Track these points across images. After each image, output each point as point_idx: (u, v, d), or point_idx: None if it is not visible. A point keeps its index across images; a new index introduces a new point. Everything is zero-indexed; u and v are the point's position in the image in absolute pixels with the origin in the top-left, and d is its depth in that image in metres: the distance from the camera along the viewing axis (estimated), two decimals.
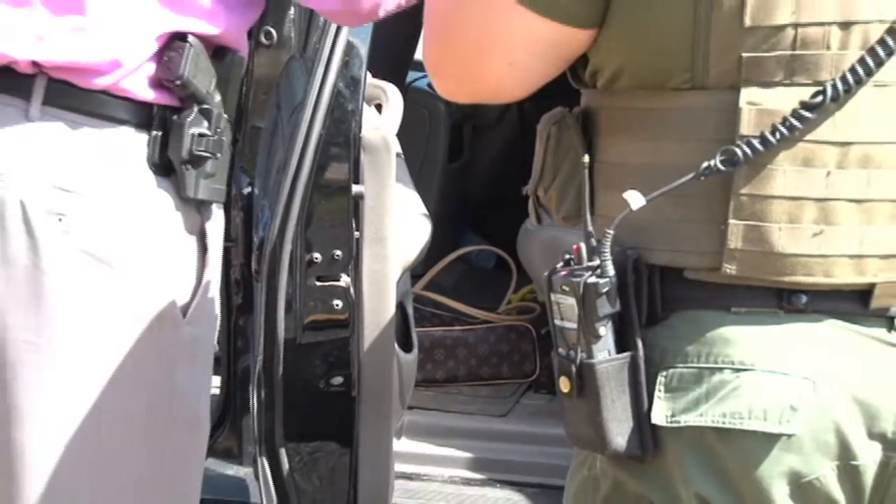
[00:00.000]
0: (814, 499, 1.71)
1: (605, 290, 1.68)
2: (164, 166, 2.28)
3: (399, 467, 3.11)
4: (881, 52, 1.61)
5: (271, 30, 3.04)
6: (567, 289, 1.70)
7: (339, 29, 2.74)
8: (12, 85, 2.20)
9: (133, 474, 2.31)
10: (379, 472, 2.98)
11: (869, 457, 1.69)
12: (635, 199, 1.65)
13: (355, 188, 2.80)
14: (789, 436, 1.67)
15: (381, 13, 2.43)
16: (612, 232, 1.68)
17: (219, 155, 2.32)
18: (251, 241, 2.84)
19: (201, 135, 2.28)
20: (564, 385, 1.73)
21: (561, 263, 1.73)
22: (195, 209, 2.34)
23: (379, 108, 2.99)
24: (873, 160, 1.67)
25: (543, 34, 1.74)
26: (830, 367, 1.68)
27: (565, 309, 1.72)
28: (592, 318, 1.69)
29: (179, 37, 2.25)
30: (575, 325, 1.71)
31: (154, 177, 2.28)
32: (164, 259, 2.30)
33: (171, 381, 2.33)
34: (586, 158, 1.77)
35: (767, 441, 1.67)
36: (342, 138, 2.77)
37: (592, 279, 1.68)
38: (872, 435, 1.69)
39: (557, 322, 1.74)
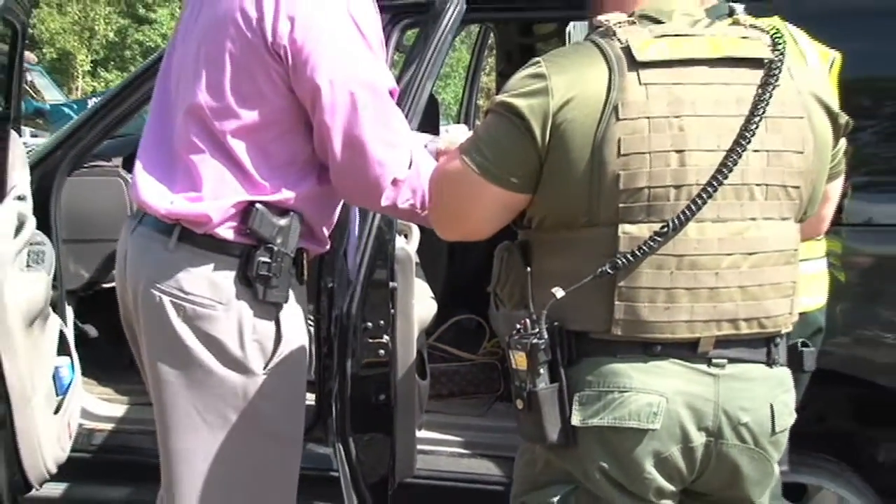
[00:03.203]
0: (668, 468, 1.75)
1: (542, 347, 1.72)
2: (246, 280, 2.21)
3: (420, 447, 3.07)
4: (699, 202, 1.67)
5: None
6: (520, 347, 1.73)
7: None
8: (163, 228, 2.20)
9: (236, 453, 2.30)
10: (408, 451, 2.95)
11: (699, 441, 1.74)
12: (559, 292, 1.70)
13: (391, 284, 2.80)
14: (653, 430, 1.71)
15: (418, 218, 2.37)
16: (545, 312, 1.71)
17: (279, 275, 2.22)
18: (332, 315, 2.85)
19: (263, 262, 2.20)
20: (519, 404, 1.77)
21: (515, 331, 1.74)
22: (272, 305, 2.26)
23: (406, 236, 3.01)
24: (697, 265, 1.71)
25: (501, 198, 1.78)
26: (675, 388, 1.72)
27: (518, 358, 1.74)
28: (535, 364, 1.72)
29: (252, 203, 2.19)
30: (525, 368, 1.73)
31: (240, 286, 2.21)
32: (246, 335, 2.23)
33: (253, 404, 2.27)
34: (528, 269, 1.78)
35: (640, 433, 1.72)
36: (383, 255, 2.78)
37: (535, 340, 1.72)
38: (700, 428, 1.73)
39: (514, 366, 1.76)
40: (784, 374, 1.83)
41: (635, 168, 1.68)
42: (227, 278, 2.22)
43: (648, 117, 1.68)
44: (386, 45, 3.02)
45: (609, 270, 1.69)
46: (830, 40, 2.49)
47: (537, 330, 1.72)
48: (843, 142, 1.90)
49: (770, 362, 1.80)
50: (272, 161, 2.21)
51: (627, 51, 1.70)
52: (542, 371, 1.72)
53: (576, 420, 1.73)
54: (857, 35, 2.76)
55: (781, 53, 1.74)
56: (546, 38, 4.85)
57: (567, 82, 1.70)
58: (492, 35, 5.33)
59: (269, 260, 2.21)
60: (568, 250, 1.76)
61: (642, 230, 1.69)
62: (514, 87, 1.75)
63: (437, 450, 3.29)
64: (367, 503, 2.88)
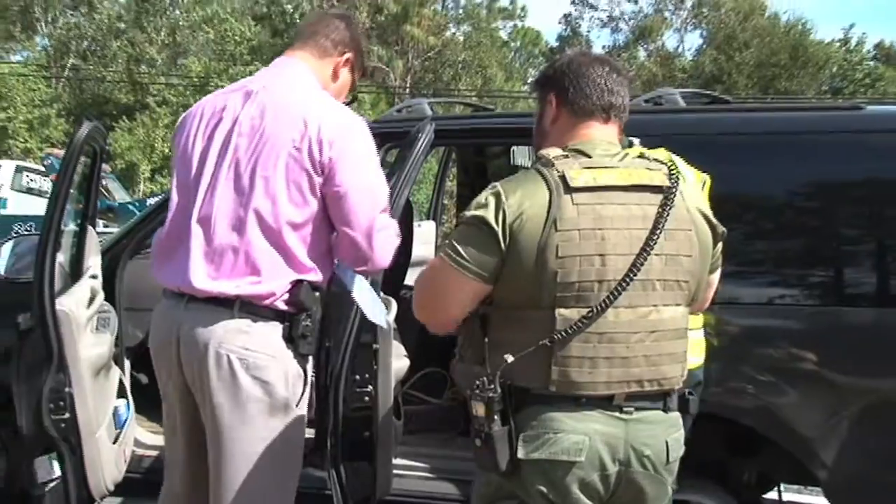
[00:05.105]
0: (590, 490, 1.75)
1: (496, 399, 1.71)
2: (290, 339, 2.25)
3: (395, 472, 3.03)
4: (616, 294, 1.70)
5: None
6: (480, 399, 1.73)
7: None
8: (226, 303, 2.21)
9: (274, 468, 2.29)
10: (386, 475, 2.92)
11: (612, 469, 1.75)
12: (509, 358, 1.70)
13: (374, 345, 2.79)
14: (579, 461, 1.71)
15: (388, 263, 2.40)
16: (499, 372, 1.71)
17: (313, 334, 2.29)
18: (329, 369, 2.81)
19: (306, 325, 2.26)
20: (477, 442, 1.76)
21: (476, 386, 1.74)
22: (303, 358, 2.29)
23: (387, 308, 2.98)
24: (613, 339, 1.73)
25: (474, 288, 1.79)
26: (595, 430, 1.73)
27: (478, 408, 1.73)
28: (491, 412, 1.72)
29: (299, 281, 2.24)
30: (483, 415, 1.73)
31: (285, 343, 2.25)
32: (289, 380, 2.26)
33: (287, 430, 2.29)
34: (486, 339, 1.79)
35: (569, 464, 1.72)
36: (368, 322, 2.74)
37: (491, 395, 1.71)
38: (614, 460, 1.74)
39: (474, 413, 1.75)
40: (676, 417, 1.85)
41: (569, 267, 1.71)
42: (277, 336, 2.24)
43: (579, 229, 1.72)
44: None
45: (548, 343, 1.70)
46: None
47: (493, 386, 1.72)
48: (720, 244, 1.94)
49: (666, 409, 1.81)
50: (310, 249, 2.25)
51: (563, 178, 1.74)
52: (496, 417, 1.72)
53: (521, 454, 1.73)
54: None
55: (676, 181, 1.80)
56: (495, 157, 4.91)
57: (518, 201, 1.74)
58: (454, 152, 5.37)
59: (309, 323, 2.27)
60: (517, 325, 1.76)
61: (573, 313, 1.71)
62: (481, 205, 1.78)
63: (409, 474, 3.23)
64: None
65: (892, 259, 2.85)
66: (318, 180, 2.20)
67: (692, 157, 2.52)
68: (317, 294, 2.30)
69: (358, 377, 2.77)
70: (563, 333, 1.70)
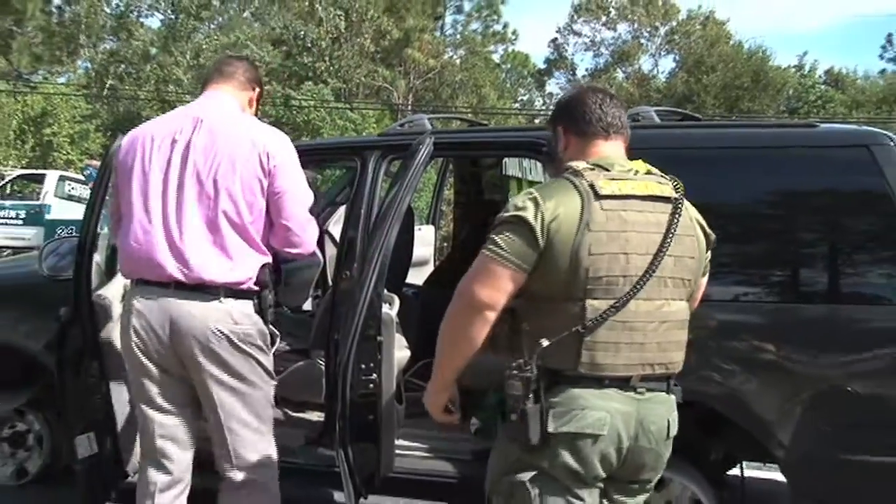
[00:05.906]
0: (605, 461, 1.78)
1: (532, 379, 1.74)
2: (259, 311, 2.54)
3: (397, 451, 3.02)
4: (638, 287, 1.76)
5: (347, 272, 3.02)
6: (518, 379, 1.75)
7: (374, 269, 2.75)
8: (213, 290, 2.47)
9: (260, 409, 2.56)
10: (389, 454, 2.92)
11: (626, 444, 1.78)
12: (544, 342, 1.73)
13: (378, 337, 2.78)
14: (602, 435, 1.75)
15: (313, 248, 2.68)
16: (535, 355, 1.74)
17: (273, 305, 2.58)
18: (337, 359, 2.80)
19: (269, 298, 2.56)
20: (513, 417, 1.77)
21: (513, 366, 1.76)
22: (267, 324, 2.57)
23: (389, 304, 2.98)
24: (633, 328, 1.77)
25: (514, 278, 1.80)
26: (615, 408, 1.77)
27: (515, 387, 1.75)
28: (528, 390, 1.74)
29: (264, 264, 2.53)
30: (520, 393, 1.74)
31: (256, 315, 2.53)
32: (265, 338, 2.55)
33: (269, 374, 2.57)
34: (526, 327, 1.81)
35: (593, 438, 1.75)
36: (373, 317, 2.75)
37: (528, 374, 1.74)
38: (628, 435, 1.78)
39: (511, 392, 1.76)
40: (674, 399, 1.90)
41: (599, 264, 1.76)
42: (251, 310, 2.52)
43: (607, 231, 1.77)
44: (378, 172, 3.14)
45: (580, 329, 1.74)
46: None
47: (529, 367, 1.75)
48: (710, 251, 2.01)
49: (668, 391, 1.86)
50: (263, 238, 2.54)
51: (592, 187, 1.80)
52: (531, 396, 1.74)
53: (551, 428, 1.76)
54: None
55: (682, 194, 1.88)
56: (488, 168, 4.89)
57: (554, 205, 1.79)
58: (451, 163, 5.33)
59: (270, 297, 2.57)
60: (551, 314, 1.79)
61: (602, 304, 1.76)
62: (519, 207, 1.81)
63: (410, 453, 3.22)
64: (360, 491, 2.84)
65: (842, 261, 2.86)
66: (265, 183, 2.49)
67: (666, 168, 2.50)
68: (271, 274, 2.58)
69: (363, 366, 2.76)
70: (593, 321, 1.74)
